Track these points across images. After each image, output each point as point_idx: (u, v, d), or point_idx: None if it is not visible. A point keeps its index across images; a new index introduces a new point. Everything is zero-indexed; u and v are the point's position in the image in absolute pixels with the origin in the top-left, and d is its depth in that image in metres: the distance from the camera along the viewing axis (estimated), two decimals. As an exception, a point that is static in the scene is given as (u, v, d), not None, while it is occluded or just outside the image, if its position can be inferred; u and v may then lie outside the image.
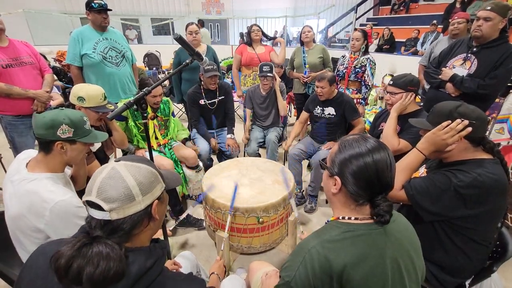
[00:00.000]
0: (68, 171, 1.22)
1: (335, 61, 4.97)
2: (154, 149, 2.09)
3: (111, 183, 0.61)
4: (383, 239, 0.71)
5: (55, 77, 3.48)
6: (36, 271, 0.63)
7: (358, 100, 2.76)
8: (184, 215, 1.63)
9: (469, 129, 0.98)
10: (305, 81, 3.11)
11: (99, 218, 0.60)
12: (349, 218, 0.76)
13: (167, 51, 7.54)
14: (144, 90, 1.01)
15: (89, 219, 0.61)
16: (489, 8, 1.80)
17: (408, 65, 4.94)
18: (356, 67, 2.69)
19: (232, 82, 4.67)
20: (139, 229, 0.65)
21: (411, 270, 0.74)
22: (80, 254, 0.54)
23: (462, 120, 0.99)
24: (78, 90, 1.54)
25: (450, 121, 1.01)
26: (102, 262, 0.53)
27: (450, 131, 1.00)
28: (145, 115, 1.08)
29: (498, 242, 1.11)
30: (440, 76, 2.03)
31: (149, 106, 2.06)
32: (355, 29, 2.84)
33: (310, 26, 3.05)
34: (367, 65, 2.65)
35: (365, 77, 2.68)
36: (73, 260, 0.53)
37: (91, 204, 0.61)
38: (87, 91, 1.54)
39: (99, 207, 0.59)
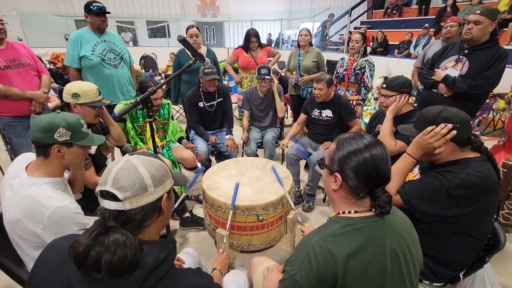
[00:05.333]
0: (66, 174, 1.21)
1: (330, 63, 5.02)
2: (151, 150, 2.10)
3: (126, 173, 0.63)
4: (382, 231, 0.75)
5: (52, 79, 3.46)
6: (49, 265, 0.64)
7: (358, 101, 2.79)
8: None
9: (454, 132, 1.02)
10: (293, 84, 3.16)
11: (113, 209, 0.62)
12: (349, 212, 0.79)
13: (163, 54, 7.56)
14: (149, 89, 1.03)
15: (102, 211, 0.63)
16: (478, 12, 1.86)
17: (402, 67, 5.04)
18: (356, 69, 2.71)
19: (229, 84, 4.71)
20: (150, 221, 0.67)
21: (409, 261, 0.77)
22: (97, 243, 0.56)
23: (446, 125, 1.03)
24: (71, 87, 1.51)
25: (434, 126, 1.06)
26: (119, 250, 0.55)
27: (435, 135, 1.05)
28: (151, 113, 1.09)
29: (490, 235, 1.15)
30: (433, 77, 2.09)
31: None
32: (350, 32, 2.88)
33: (308, 29, 3.08)
34: (367, 67, 2.67)
35: (364, 78, 2.71)
36: (90, 248, 0.55)
37: (104, 195, 0.63)
38: (80, 87, 1.51)
39: (113, 197, 0.62)
